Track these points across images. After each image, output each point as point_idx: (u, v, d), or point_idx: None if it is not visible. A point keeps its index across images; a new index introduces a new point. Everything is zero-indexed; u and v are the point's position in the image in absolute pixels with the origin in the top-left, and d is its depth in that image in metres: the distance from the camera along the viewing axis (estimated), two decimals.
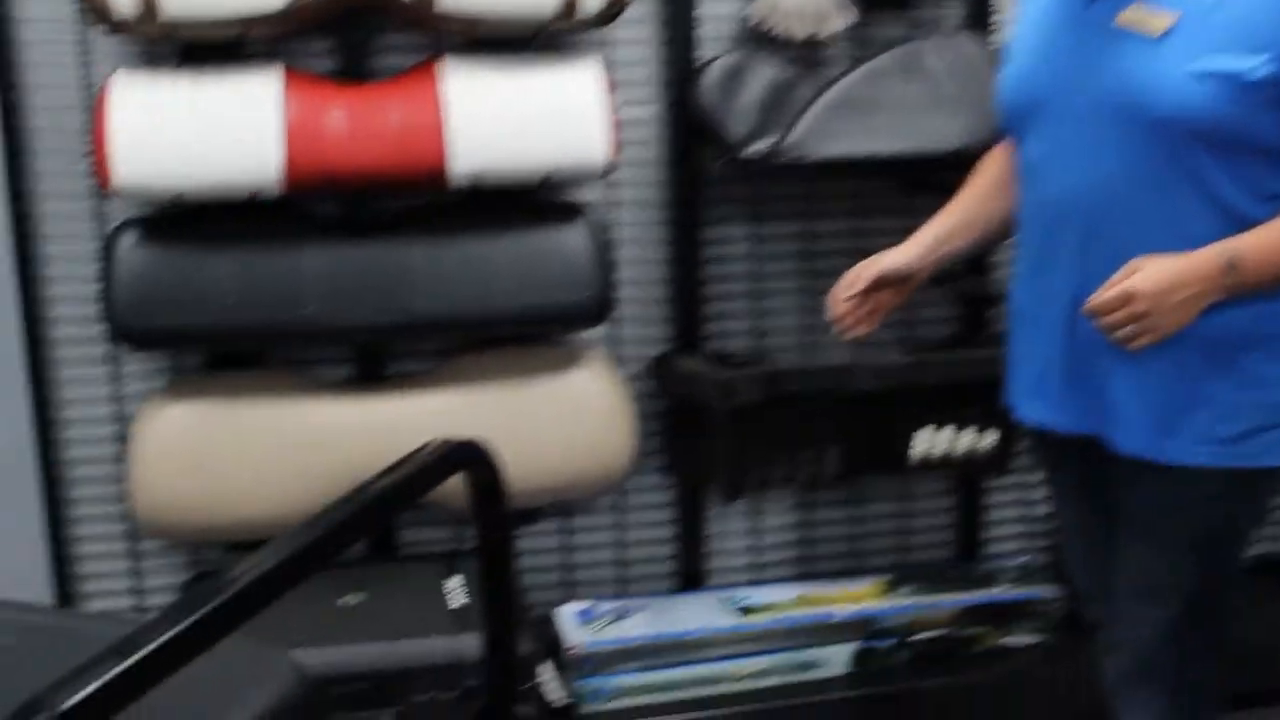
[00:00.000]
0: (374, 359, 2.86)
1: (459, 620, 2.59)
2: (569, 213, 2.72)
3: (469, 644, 2.45)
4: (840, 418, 2.83)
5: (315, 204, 2.72)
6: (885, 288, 2.14)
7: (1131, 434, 1.91)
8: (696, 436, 2.86)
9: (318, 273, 2.61)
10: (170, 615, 1.20)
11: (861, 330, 2.15)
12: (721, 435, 2.75)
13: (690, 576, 3.11)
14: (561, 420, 2.77)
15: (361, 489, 1.44)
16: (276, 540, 1.36)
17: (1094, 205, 1.88)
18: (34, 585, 2.84)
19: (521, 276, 2.66)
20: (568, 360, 2.81)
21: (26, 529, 2.81)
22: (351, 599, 2.68)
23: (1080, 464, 2.08)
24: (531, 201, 2.76)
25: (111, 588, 2.89)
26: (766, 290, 2.99)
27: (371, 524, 1.33)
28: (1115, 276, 1.77)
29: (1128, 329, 1.76)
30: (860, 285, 2.11)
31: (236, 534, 2.71)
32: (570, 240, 2.69)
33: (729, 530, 3.13)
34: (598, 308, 2.70)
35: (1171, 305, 1.75)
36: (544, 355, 2.82)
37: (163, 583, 2.90)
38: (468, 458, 1.62)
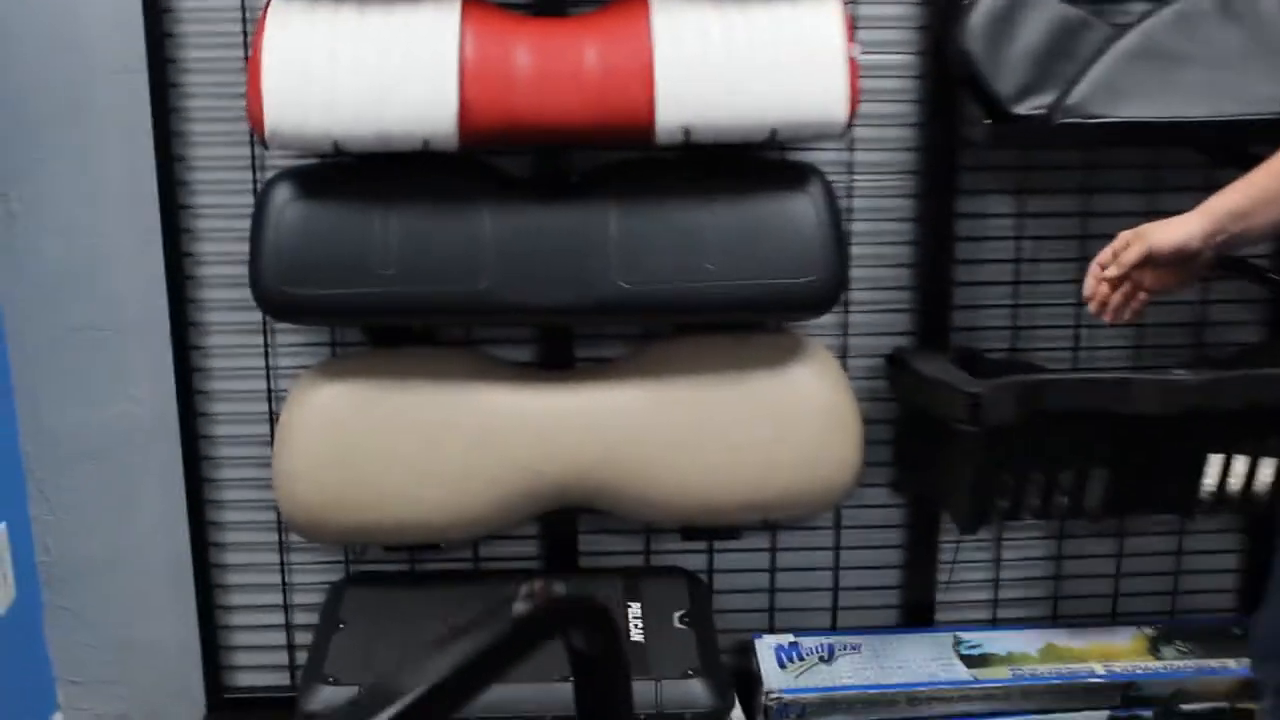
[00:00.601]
0: (560, 341, 2.46)
1: (635, 658, 2.18)
2: (797, 178, 2.28)
3: (644, 691, 2.06)
4: (1112, 440, 2.32)
5: (496, 159, 2.32)
6: (1156, 267, 1.78)
7: None
8: (935, 452, 2.38)
9: (497, 240, 2.22)
10: None
11: (1122, 317, 1.85)
12: (966, 456, 2.27)
13: (914, 611, 2.65)
14: (775, 423, 2.33)
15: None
16: None
17: None
18: (175, 571, 2.53)
19: (737, 252, 2.23)
20: (786, 352, 2.37)
21: (168, 509, 2.50)
22: None
23: None
24: (752, 163, 2.33)
25: (256, 581, 2.56)
26: (1030, 280, 2.50)
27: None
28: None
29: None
30: (1126, 262, 1.78)
31: (392, 535, 2.37)
32: (798, 211, 2.25)
33: (963, 561, 2.65)
34: (826, 292, 2.26)
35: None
36: (758, 345, 2.38)
37: (311, 580, 2.56)
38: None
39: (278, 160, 2.31)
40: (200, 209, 2.39)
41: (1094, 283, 1.84)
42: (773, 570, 2.62)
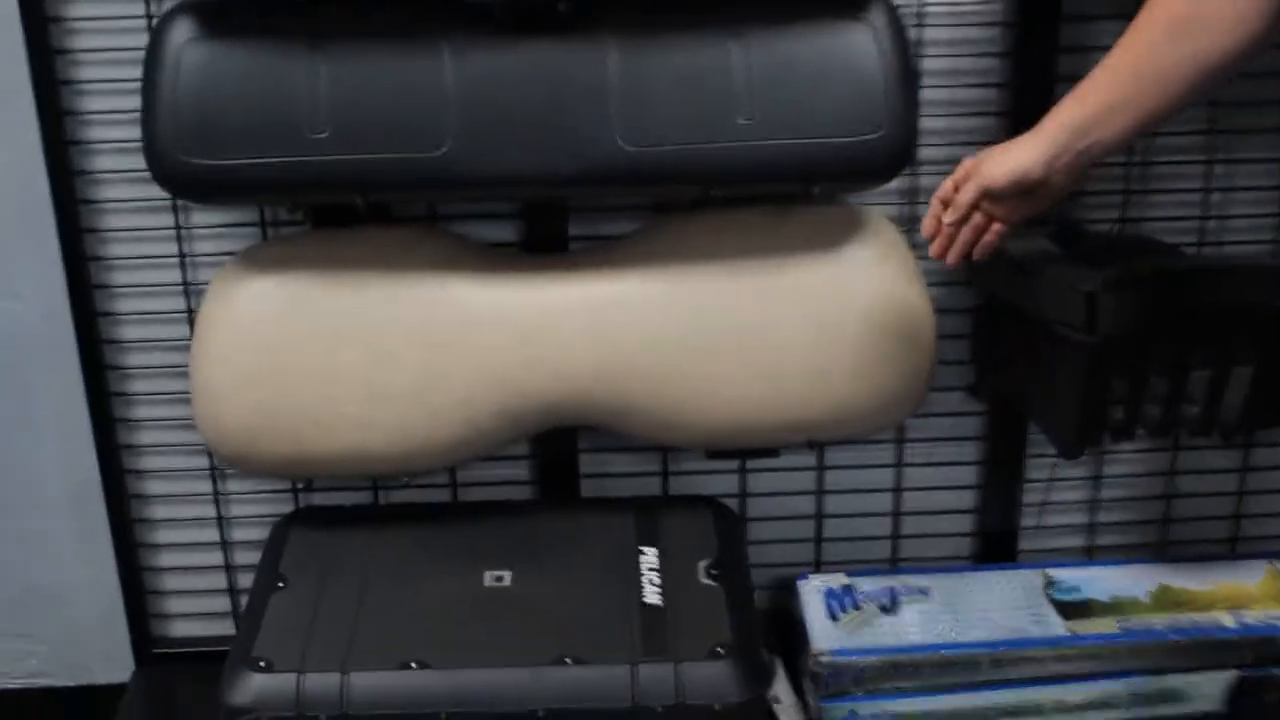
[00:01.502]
0: (549, 216, 1.94)
1: (650, 629, 1.71)
2: (853, 3, 1.73)
3: (661, 677, 1.61)
4: (1256, 341, 1.80)
5: None
6: (1000, 200, 1.53)
7: None
8: (1031, 356, 1.87)
9: (462, 90, 1.70)
10: None
11: (978, 256, 1.58)
12: (1076, 368, 1.76)
13: (993, 542, 2.17)
14: (824, 320, 1.83)
15: None
16: None
17: None
18: (83, 503, 2.06)
19: (776, 100, 1.71)
20: (838, 229, 1.85)
21: (69, 428, 2.01)
22: (498, 575, 1.82)
23: None
24: None
25: (185, 514, 2.10)
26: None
27: None
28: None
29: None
30: (962, 203, 1.54)
31: (339, 468, 1.88)
32: (855, 44, 1.72)
33: (1055, 481, 2.15)
34: (892, 152, 1.74)
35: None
36: (802, 221, 1.86)
37: (253, 513, 2.09)
38: None
39: None
40: (81, 53, 1.86)
41: (933, 222, 1.59)
42: (819, 492, 2.14)
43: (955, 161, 1.82)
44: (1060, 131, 1.47)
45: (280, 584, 1.81)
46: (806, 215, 1.85)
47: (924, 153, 1.89)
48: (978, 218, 1.55)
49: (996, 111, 1.93)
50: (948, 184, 1.56)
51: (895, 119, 1.71)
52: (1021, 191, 1.50)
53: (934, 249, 1.59)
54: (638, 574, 1.81)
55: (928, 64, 1.89)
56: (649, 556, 1.85)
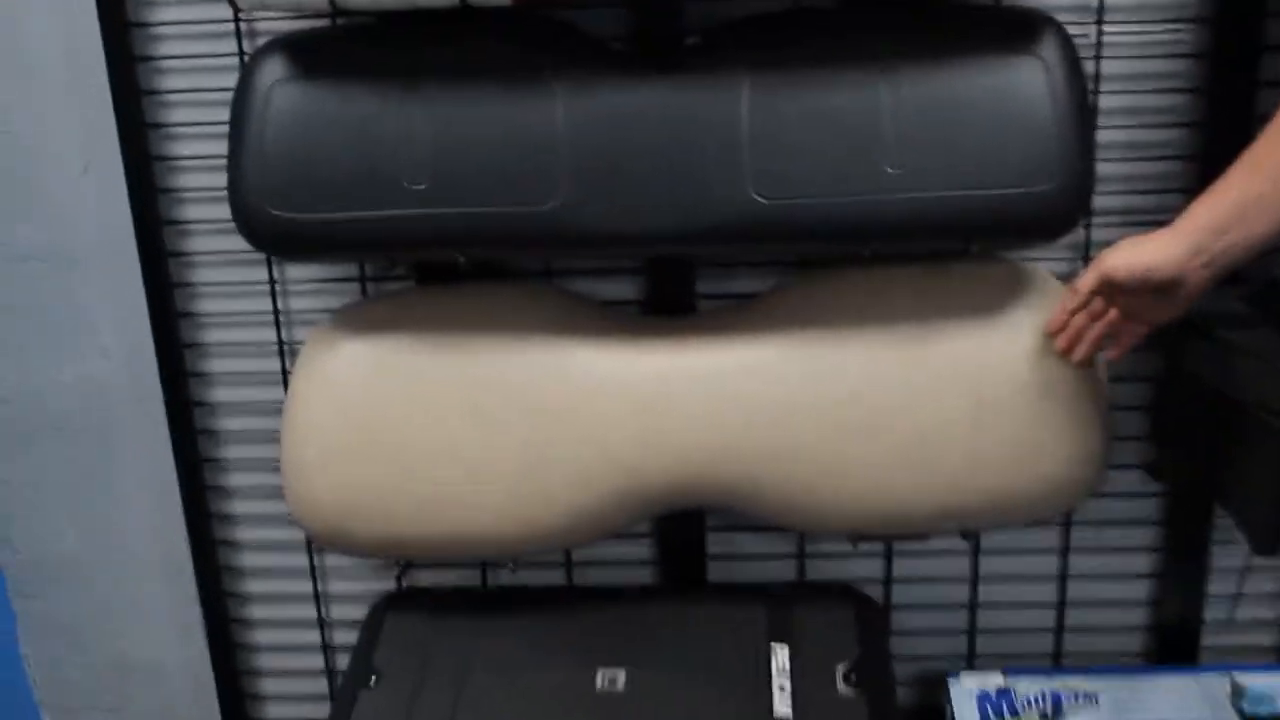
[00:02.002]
0: (672, 273, 1.75)
1: None
2: (1022, 32, 1.52)
3: None
4: None
5: (573, 17, 1.59)
6: (1130, 295, 1.40)
7: None
8: (1225, 440, 1.62)
9: (575, 136, 1.52)
10: None
11: (1096, 353, 1.51)
12: (1272, 455, 1.51)
13: (1171, 640, 1.91)
14: (983, 396, 1.60)
15: None
16: None
17: None
18: (173, 575, 1.92)
19: (930, 147, 1.50)
20: (999, 291, 1.63)
21: (158, 494, 1.88)
22: (612, 676, 1.63)
23: None
24: (952, 11, 1.57)
25: (280, 589, 1.95)
26: None
27: None
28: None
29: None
30: (1080, 289, 1.44)
31: (440, 551, 1.71)
32: (1023, 83, 1.50)
33: (1248, 570, 1.89)
34: (1065, 206, 1.53)
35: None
36: (958, 281, 1.64)
37: (352, 589, 1.93)
38: None
39: (266, 22, 1.62)
40: (171, 95, 1.72)
41: (1061, 314, 1.51)
42: (974, 580, 1.90)
43: (1134, 212, 1.60)
44: (1196, 230, 1.33)
45: (373, 678, 1.65)
46: (962, 274, 1.63)
47: (1099, 201, 1.65)
48: (1112, 314, 1.45)
49: (1183, 155, 1.69)
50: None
51: (1069, 167, 1.49)
52: (1150, 289, 1.37)
53: (1059, 343, 1.51)
54: (768, 679, 1.61)
55: (1104, 101, 1.65)
56: (780, 657, 1.65)
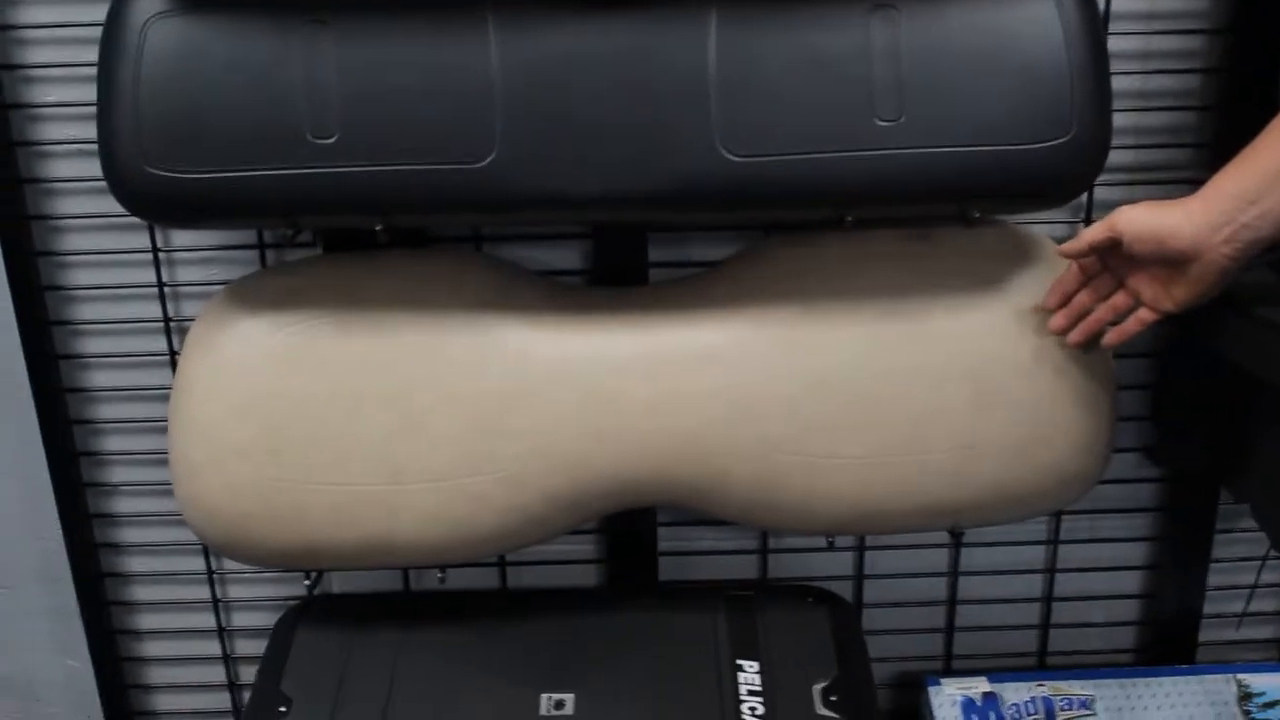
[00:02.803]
0: (623, 239, 1.53)
1: None
2: None
3: None
4: None
5: None
6: (1142, 265, 1.23)
7: None
8: (1242, 423, 1.45)
9: (513, 82, 1.29)
10: None
11: (1091, 336, 1.32)
12: None
13: (1168, 638, 1.75)
14: (979, 378, 1.40)
15: None
16: None
17: None
18: (50, 582, 1.69)
19: (927, 95, 1.28)
20: (994, 258, 1.43)
21: (29, 490, 1.64)
22: (558, 700, 1.43)
23: None
24: None
25: (173, 596, 1.72)
26: None
27: None
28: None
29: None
30: (1085, 239, 1.25)
31: (355, 560, 1.48)
32: (1033, 20, 1.29)
33: (1243, 563, 1.72)
34: (1081, 163, 1.33)
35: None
36: (947, 247, 1.44)
37: (256, 596, 1.70)
38: None
39: None
40: (27, 30, 1.47)
41: (1059, 290, 1.33)
42: (954, 573, 1.72)
43: (1146, 168, 1.41)
44: (1222, 198, 1.19)
45: (282, 708, 1.43)
46: (955, 241, 1.43)
47: (1110, 157, 1.45)
48: (1119, 298, 1.29)
49: (1202, 105, 1.50)
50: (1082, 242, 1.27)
51: (1086, 119, 1.29)
52: (1162, 260, 1.22)
53: (1056, 320, 1.33)
54: (735, 701, 1.41)
55: (1114, 43, 1.45)
56: (749, 674, 1.45)
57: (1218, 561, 1.72)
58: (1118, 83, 1.44)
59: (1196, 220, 1.19)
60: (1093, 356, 1.40)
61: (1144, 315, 1.28)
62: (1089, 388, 1.41)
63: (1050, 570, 1.73)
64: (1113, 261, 1.28)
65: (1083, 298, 1.32)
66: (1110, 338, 1.31)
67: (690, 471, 1.41)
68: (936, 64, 1.28)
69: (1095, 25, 1.30)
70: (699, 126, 1.28)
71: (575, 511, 1.45)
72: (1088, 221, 1.54)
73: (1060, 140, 1.29)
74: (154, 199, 1.31)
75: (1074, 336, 1.33)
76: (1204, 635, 1.76)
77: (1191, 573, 1.72)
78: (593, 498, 1.43)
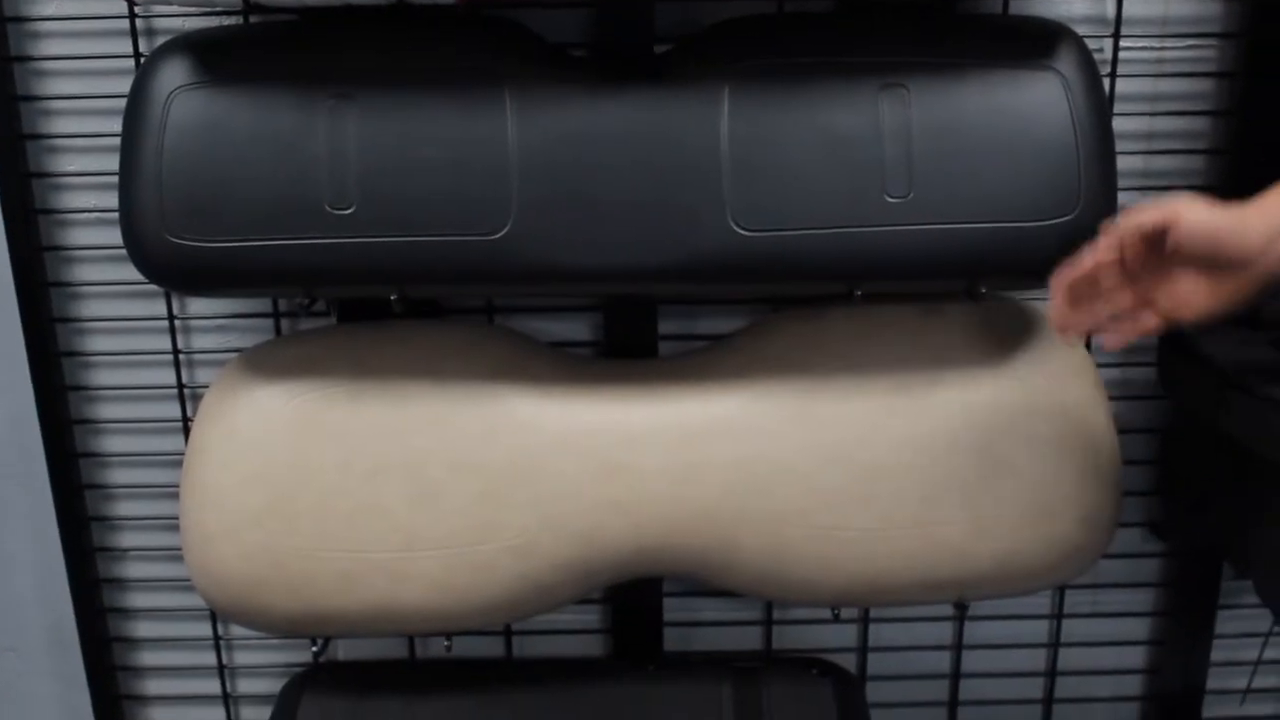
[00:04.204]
0: (633, 312, 1.55)
1: None
2: (1037, 44, 1.34)
3: None
4: None
5: (526, 19, 1.39)
6: (1180, 263, 1.13)
7: None
8: (1243, 498, 1.46)
9: (529, 157, 1.32)
10: None
11: (1088, 331, 1.20)
12: None
13: (1172, 712, 1.74)
14: (985, 451, 1.41)
15: None
16: None
17: None
18: (59, 644, 1.69)
19: (936, 173, 1.31)
20: (1002, 333, 1.45)
21: (43, 556, 1.65)
22: None
23: None
24: (957, 20, 1.40)
25: (180, 662, 1.72)
26: None
27: None
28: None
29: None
30: (1135, 225, 1.12)
31: (364, 627, 1.47)
32: (1039, 101, 1.32)
33: (1247, 639, 1.73)
34: (1085, 239, 1.29)
35: None
36: (955, 321, 1.46)
37: (262, 662, 1.70)
38: None
39: (166, 19, 1.40)
40: (54, 101, 1.49)
41: (1072, 274, 1.15)
42: (958, 646, 1.73)
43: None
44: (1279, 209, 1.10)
45: None
46: (963, 315, 1.45)
47: None
48: (1123, 297, 1.16)
49: (1199, 184, 1.52)
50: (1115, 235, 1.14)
51: (1091, 198, 1.32)
52: (1209, 263, 1.12)
53: (1056, 309, 1.16)
54: None
55: (1120, 124, 1.48)
56: None
57: (1221, 637, 1.72)
58: (1125, 162, 1.48)
59: (1253, 226, 1.11)
60: (1099, 429, 1.41)
61: (1148, 323, 1.16)
62: (1095, 462, 1.43)
63: (1054, 645, 1.73)
64: (1137, 256, 1.16)
65: (1085, 287, 1.17)
66: (1111, 340, 1.18)
67: (699, 542, 1.42)
68: (945, 142, 1.30)
69: (1101, 104, 1.33)
70: (712, 202, 1.31)
71: (583, 581, 1.45)
72: None
73: (1066, 218, 1.31)
74: (174, 267, 1.32)
75: (1070, 335, 1.20)
76: (1208, 711, 1.75)
77: (1195, 648, 1.72)
78: (601, 567, 1.44)
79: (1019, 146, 1.31)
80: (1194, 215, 1.12)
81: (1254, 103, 1.48)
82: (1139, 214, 1.14)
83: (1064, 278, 1.16)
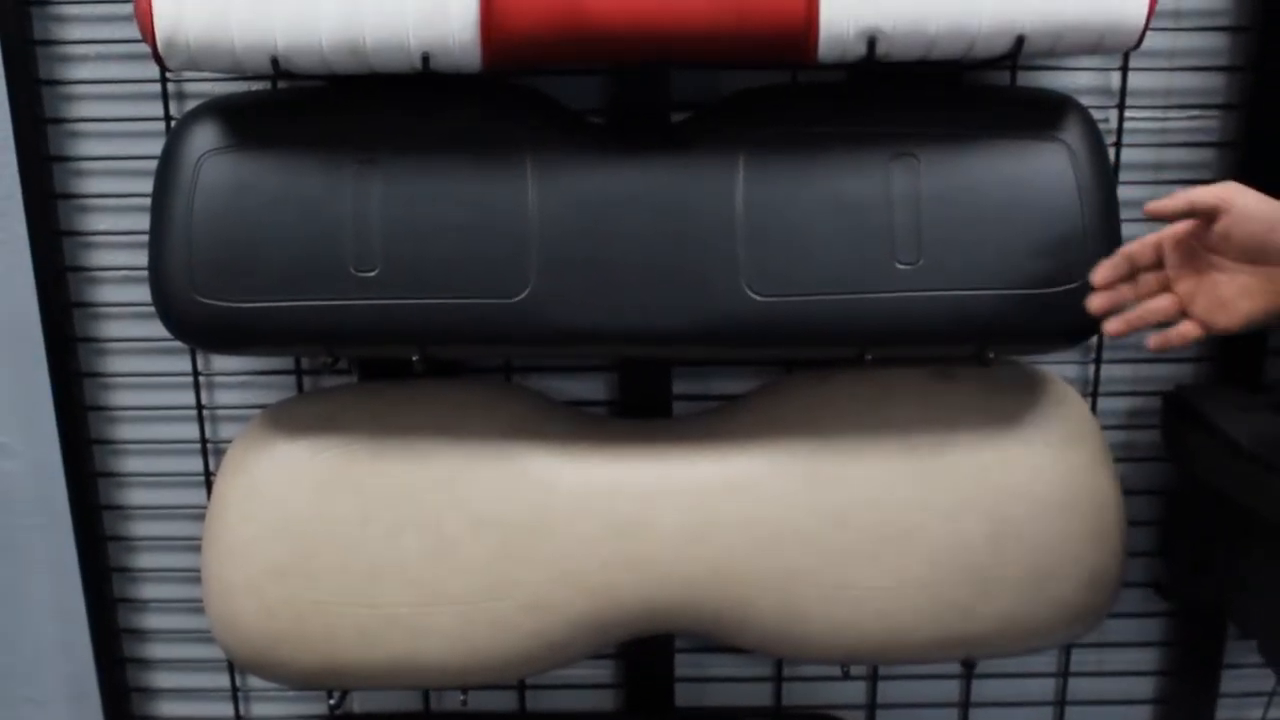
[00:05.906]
0: (649, 373, 1.58)
1: None
2: (1045, 116, 1.37)
3: None
4: None
5: (546, 88, 1.43)
6: (1206, 272, 1.14)
7: None
8: (1247, 560, 1.48)
9: (548, 222, 1.35)
10: None
11: (1127, 331, 1.18)
12: None
13: None
14: (994, 514, 1.44)
15: None
16: None
17: None
18: (80, 701, 1.71)
19: (944, 242, 1.34)
20: (1009, 397, 1.48)
21: (66, 605, 1.67)
22: None
23: None
24: (966, 93, 1.44)
25: (198, 714, 1.73)
26: None
27: None
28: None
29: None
30: (1187, 200, 1.13)
31: (383, 681, 1.49)
32: (1046, 172, 1.36)
33: (1251, 698, 1.75)
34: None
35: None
36: (963, 386, 1.49)
37: (281, 714, 1.72)
38: None
39: (196, 84, 1.44)
40: (85, 162, 1.53)
41: (1113, 268, 1.18)
42: (965, 704, 1.74)
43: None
44: None
45: None
46: (971, 380, 1.48)
47: None
48: (1163, 301, 1.17)
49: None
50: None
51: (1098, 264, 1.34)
52: (1258, 256, 1.12)
53: (1096, 301, 1.18)
54: None
55: (1124, 191, 1.51)
56: None
57: (1226, 696, 1.74)
58: (1130, 230, 1.51)
59: None
60: (1101, 490, 1.44)
61: (1188, 330, 1.16)
62: (1100, 524, 1.45)
63: (1060, 703, 1.74)
64: (1179, 255, 1.17)
65: (1124, 290, 1.19)
66: (1154, 341, 1.17)
67: (712, 600, 1.45)
68: (954, 211, 1.34)
69: (1106, 173, 1.36)
70: (726, 267, 1.34)
71: (596, 637, 1.48)
72: (1098, 361, 1.59)
73: (1072, 286, 1.34)
74: (203, 327, 1.36)
75: (1112, 325, 1.19)
76: None
77: (1200, 707, 1.73)
78: (614, 624, 1.46)
79: (1026, 215, 1.34)
80: (1247, 200, 1.12)
81: (1255, 173, 1.51)
82: (1188, 191, 1.14)
83: (1097, 278, 1.18)
